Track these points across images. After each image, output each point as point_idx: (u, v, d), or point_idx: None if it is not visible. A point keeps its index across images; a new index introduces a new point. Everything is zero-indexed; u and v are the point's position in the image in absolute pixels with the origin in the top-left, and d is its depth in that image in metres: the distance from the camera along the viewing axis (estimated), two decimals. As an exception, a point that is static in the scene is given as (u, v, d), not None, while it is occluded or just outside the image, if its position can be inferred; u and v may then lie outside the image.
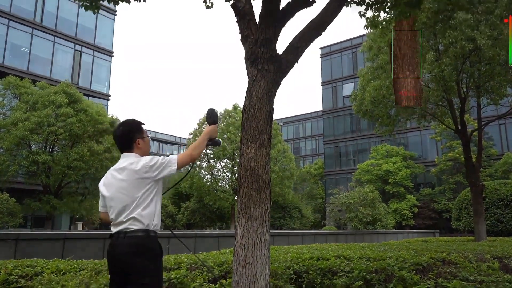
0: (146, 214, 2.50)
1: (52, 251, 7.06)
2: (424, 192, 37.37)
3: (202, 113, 36.35)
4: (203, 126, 34.81)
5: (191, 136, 34.99)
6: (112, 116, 25.18)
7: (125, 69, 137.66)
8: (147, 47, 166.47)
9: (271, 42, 4.30)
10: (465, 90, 15.66)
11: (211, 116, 2.95)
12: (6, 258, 5.55)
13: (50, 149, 22.95)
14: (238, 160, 28.57)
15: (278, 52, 4.44)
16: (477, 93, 15.74)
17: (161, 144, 66.89)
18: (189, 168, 3.22)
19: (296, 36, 4.54)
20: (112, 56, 33.41)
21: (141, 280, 2.40)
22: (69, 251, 7.28)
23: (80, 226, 32.76)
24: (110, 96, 32.88)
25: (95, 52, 32.07)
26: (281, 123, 53.57)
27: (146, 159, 2.55)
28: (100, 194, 2.66)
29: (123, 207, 2.50)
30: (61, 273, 4.19)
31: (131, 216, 2.47)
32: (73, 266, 4.39)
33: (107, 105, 31.72)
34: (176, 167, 2.58)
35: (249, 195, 3.83)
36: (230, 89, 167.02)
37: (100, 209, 2.71)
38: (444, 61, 13.46)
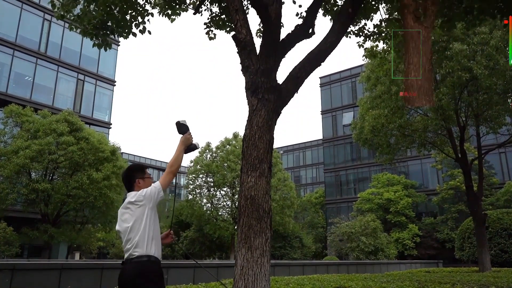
0: (145, 240, 2.79)
1: (49, 282, 6.93)
2: (426, 221, 36.94)
3: (203, 141, 36.32)
4: (204, 154, 34.78)
5: (192, 164, 34.92)
6: (113, 145, 25.21)
7: (127, 97, 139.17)
8: (149, 74, 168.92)
9: (272, 72, 4.37)
10: (464, 119, 15.75)
11: (180, 128, 3.11)
12: (2, 289, 5.44)
13: (50, 177, 22.87)
14: (238, 189, 28.41)
15: (278, 82, 4.50)
16: (476, 122, 15.83)
17: (161, 172, 66.68)
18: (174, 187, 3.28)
19: (296, 67, 4.62)
20: (114, 85, 33.83)
21: None
22: (65, 282, 7.14)
23: (77, 255, 32.26)
24: (111, 124, 33.07)
25: (97, 81, 32.47)
26: (281, 152, 53.61)
27: (139, 191, 2.90)
28: None
29: (128, 235, 2.82)
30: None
31: (133, 242, 2.78)
32: (69, 298, 4.30)
33: (108, 133, 31.85)
34: (162, 190, 2.93)
35: (249, 225, 3.79)
36: (231, 117, 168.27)
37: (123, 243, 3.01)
38: (442, 91, 13.62)
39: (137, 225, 2.79)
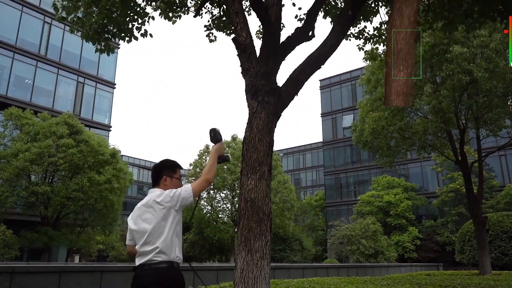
0: (169, 245, 2.57)
1: (48, 285, 6.91)
2: (426, 224, 36.90)
3: (202, 144, 36.42)
4: (203, 157, 34.77)
5: (191, 167, 34.90)
6: (113, 147, 25.19)
7: (128, 99, 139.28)
8: (150, 77, 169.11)
9: (272, 75, 4.37)
10: (464, 121, 15.76)
11: (214, 135, 2.98)
12: (1, 292, 5.43)
13: (50, 180, 22.84)
14: (238, 192, 28.37)
15: (278, 84, 4.50)
16: (476, 124, 15.84)
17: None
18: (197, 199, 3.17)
19: (295, 69, 4.62)
20: (114, 87, 33.84)
21: None
22: (65, 285, 7.12)
23: (77, 258, 32.18)
24: (111, 127, 33.07)
25: (97, 84, 32.49)
26: (281, 154, 53.58)
27: (167, 191, 2.66)
28: (128, 228, 2.76)
29: (147, 238, 2.57)
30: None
31: (155, 246, 2.55)
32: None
33: (108, 136, 31.84)
34: (192, 196, 2.67)
35: (249, 227, 3.78)
36: (230, 120, 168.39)
37: (127, 242, 2.79)
38: (442, 93, 13.64)
39: (160, 228, 2.57)
